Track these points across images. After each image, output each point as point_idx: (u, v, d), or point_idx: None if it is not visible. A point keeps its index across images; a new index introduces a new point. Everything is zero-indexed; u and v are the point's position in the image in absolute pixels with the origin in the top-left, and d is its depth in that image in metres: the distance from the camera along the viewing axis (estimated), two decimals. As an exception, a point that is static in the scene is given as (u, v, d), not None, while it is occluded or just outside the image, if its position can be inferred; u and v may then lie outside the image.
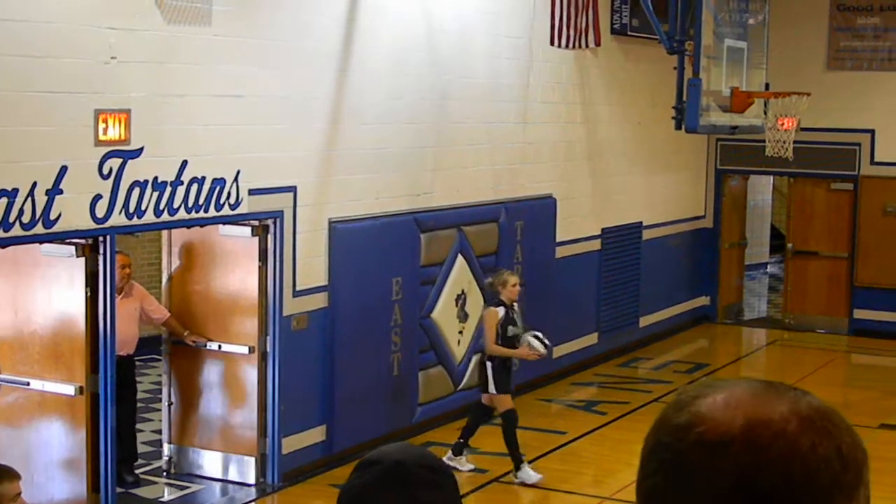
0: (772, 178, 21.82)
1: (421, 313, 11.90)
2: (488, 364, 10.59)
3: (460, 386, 12.56)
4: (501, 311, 10.54)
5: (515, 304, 10.69)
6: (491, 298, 10.82)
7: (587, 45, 13.29)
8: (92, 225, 8.59)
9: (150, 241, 14.12)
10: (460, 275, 12.43)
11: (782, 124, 13.07)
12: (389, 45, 11.34)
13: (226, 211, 9.69)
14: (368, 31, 11.04)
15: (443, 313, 12.23)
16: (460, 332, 12.53)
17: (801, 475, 1.34)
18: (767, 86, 13.40)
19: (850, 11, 17.32)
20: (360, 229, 11.04)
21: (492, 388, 10.60)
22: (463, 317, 12.53)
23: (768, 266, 23.65)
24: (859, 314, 17.60)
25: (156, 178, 9.01)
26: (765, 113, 13.12)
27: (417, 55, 11.72)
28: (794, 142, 13.38)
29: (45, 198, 8.21)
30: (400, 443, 2.37)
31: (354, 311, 10.97)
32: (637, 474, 1.44)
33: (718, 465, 1.35)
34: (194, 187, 9.35)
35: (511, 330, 10.54)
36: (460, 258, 12.41)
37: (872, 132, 17.27)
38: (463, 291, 12.50)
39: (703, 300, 18.24)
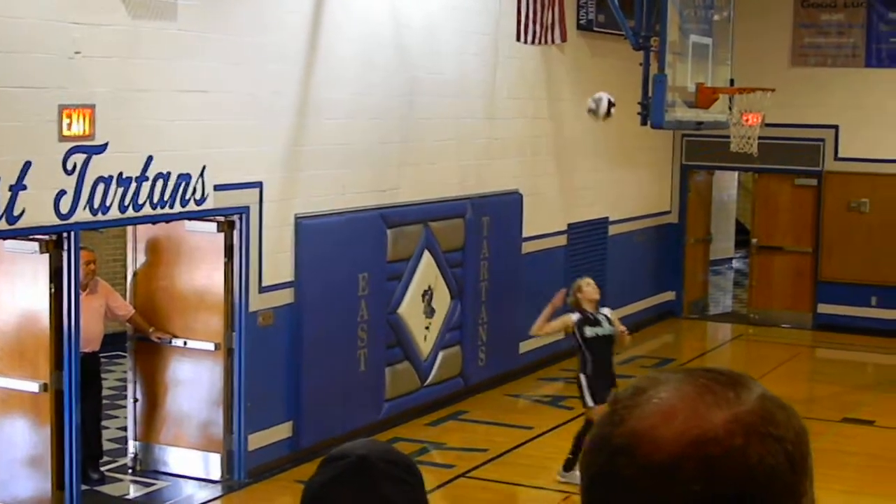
0: (737, 173, 21.92)
1: (387, 309, 11.89)
2: (582, 377, 10.38)
3: (427, 381, 12.57)
4: (575, 315, 10.38)
5: (590, 305, 10.43)
6: (572, 311, 10.54)
7: (553, 41, 13.30)
8: (56, 221, 8.53)
9: (114, 236, 14.03)
10: (427, 270, 12.44)
11: (747, 120, 13.13)
12: (356, 41, 11.32)
13: (191, 207, 9.65)
14: (335, 27, 11.02)
15: (409, 309, 12.23)
16: (427, 328, 12.53)
17: (752, 489, 1.31)
18: (732, 82, 13.46)
19: (814, 8, 17.43)
20: (327, 225, 11.02)
21: (589, 401, 10.31)
22: (429, 312, 12.53)
23: (733, 261, 23.77)
24: (823, 309, 17.72)
25: (120, 173, 8.97)
26: (730, 109, 13.17)
27: (384, 51, 11.71)
28: (759, 137, 13.44)
29: (9, 193, 8.16)
30: (365, 439, 2.37)
31: (321, 307, 10.95)
32: (581, 498, 1.40)
33: (668, 489, 1.31)
34: (159, 183, 9.31)
35: (588, 331, 10.35)
36: (427, 254, 12.41)
37: (836, 128, 17.39)
38: (430, 287, 12.50)
39: (669, 295, 18.31)
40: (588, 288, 10.46)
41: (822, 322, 17.67)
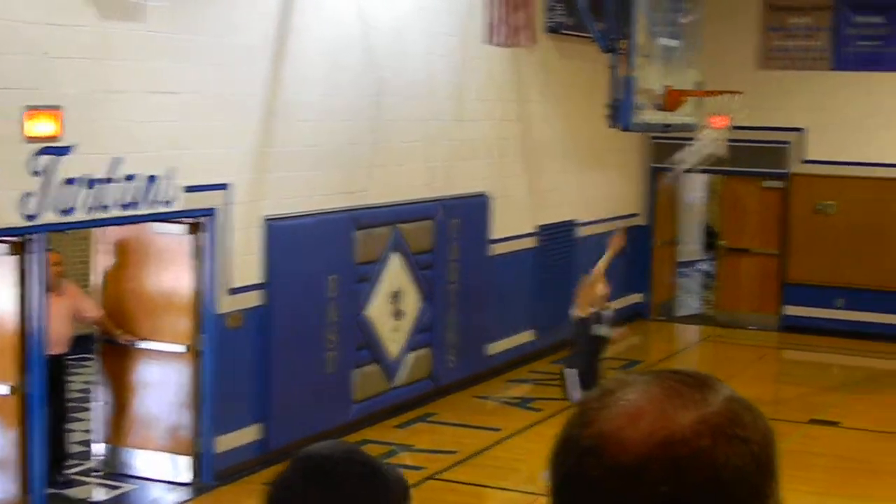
0: (705, 176, 21.98)
1: (356, 311, 11.88)
2: (574, 372, 10.35)
3: (395, 383, 12.56)
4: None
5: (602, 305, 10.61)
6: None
7: (522, 44, 13.31)
8: (22, 223, 8.48)
9: (82, 238, 13.94)
10: (396, 272, 12.43)
11: (715, 123, 13.20)
12: (324, 42, 11.31)
13: (159, 208, 9.61)
14: (303, 28, 11.00)
15: (378, 311, 12.21)
16: (395, 330, 12.52)
17: (718, 490, 1.32)
18: (700, 84, 13.51)
19: (781, 11, 17.52)
20: (296, 227, 11.00)
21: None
22: (398, 314, 12.52)
23: (701, 263, 23.84)
24: (789, 310, 17.81)
25: (88, 175, 8.92)
26: (697, 111, 13.23)
27: (352, 52, 11.70)
28: (727, 140, 13.50)
29: (-25, 195, 8.11)
30: (331, 440, 2.38)
31: (290, 309, 10.93)
32: (551, 499, 1.40)
33: (635, 490, 1.31)
34: (127, 184, 9.26)
35: (594, 329, 10.52)
36: (396, 256, 12.41)
37: (803, 131, 17.49)
38: (398, 289, 12.49)
39: (637, 297, 18.36)
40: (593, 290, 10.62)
41: (789, 324, 17.76)
